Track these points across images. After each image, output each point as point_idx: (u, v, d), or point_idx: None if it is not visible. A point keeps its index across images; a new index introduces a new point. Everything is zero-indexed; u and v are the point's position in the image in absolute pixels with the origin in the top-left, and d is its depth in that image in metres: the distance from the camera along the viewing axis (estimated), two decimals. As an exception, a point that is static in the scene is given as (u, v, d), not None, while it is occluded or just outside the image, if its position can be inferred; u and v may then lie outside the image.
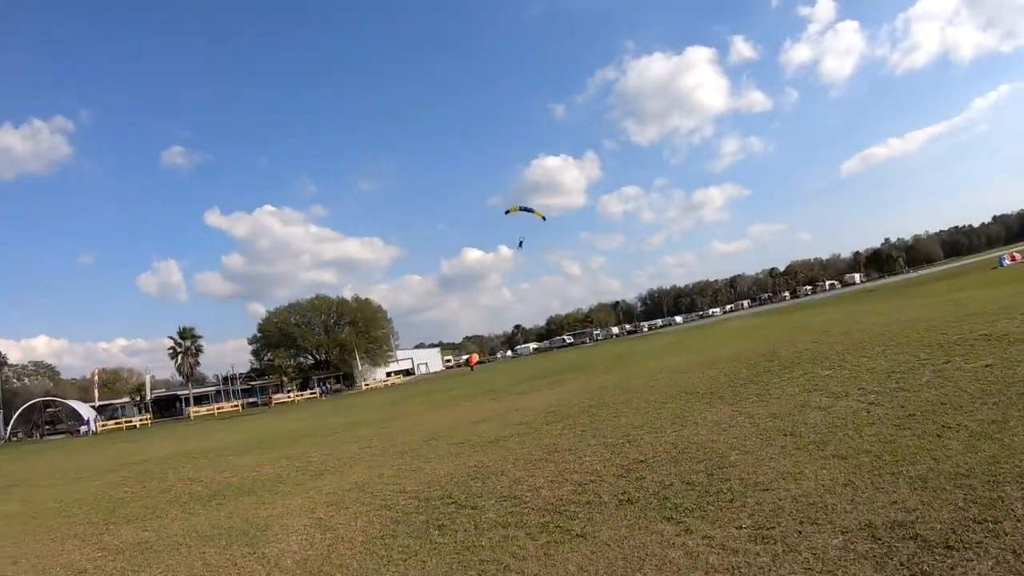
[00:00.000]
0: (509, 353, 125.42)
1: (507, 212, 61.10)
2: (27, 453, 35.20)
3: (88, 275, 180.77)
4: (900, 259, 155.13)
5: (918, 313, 18.54)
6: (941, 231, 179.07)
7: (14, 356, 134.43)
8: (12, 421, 55.68)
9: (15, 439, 52.31)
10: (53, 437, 52.54)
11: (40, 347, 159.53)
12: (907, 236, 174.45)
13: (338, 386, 79.46)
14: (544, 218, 56.55)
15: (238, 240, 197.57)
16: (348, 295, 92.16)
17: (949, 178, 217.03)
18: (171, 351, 67.44)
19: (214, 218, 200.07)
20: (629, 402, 12.54)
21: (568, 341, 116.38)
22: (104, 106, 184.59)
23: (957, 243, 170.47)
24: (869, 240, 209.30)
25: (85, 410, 55.57)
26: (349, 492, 8.88)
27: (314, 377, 76.55)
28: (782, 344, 17.41)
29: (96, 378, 64.35)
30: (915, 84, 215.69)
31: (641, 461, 7.35)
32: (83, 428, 52.07)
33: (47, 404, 62.24)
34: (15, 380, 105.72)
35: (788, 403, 9.17)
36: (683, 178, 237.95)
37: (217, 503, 10.09)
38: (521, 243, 49.88)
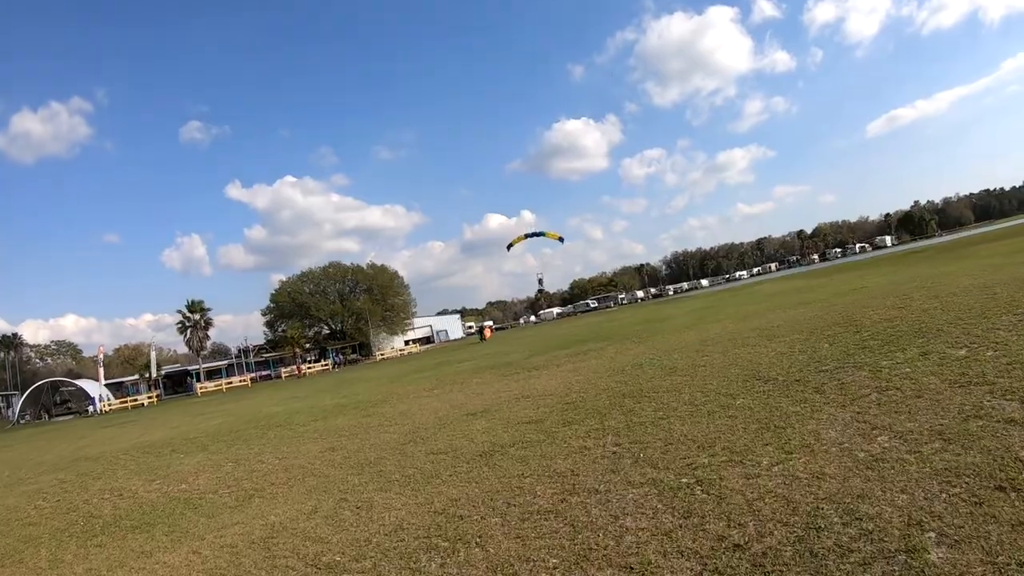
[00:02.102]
0: (532, 319, 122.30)
1: (509, 247, 58.33)
2: (11, 441, 33.21)
3: (114, 253, 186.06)
4: (933, 222, 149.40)
5: (1014, 272, 14.75)
6: (971, 194, 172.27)
7: (43, 336, 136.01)
8: (20, 403, 54.05)
9: (23, 421, 50.63)
10: (61, 418, 50.83)
11: (69, 326, 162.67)
12: (936, 199, 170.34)
13: (354, 356, 77.07)
14: (562, 239, 54.10)
15: (260, 212, 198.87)
16: (369, 263, 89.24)
17: (978, 140, 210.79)
18: (180, 325, 65.25)
19: (235, 191, 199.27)
20: (678, 391, 9.18)
21: (592, 305, 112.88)
22: (120, 85, 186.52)
23: (988, 206, 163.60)
24: (896, 203, 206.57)
25: (94, 389, 53.70)
26: (250, 549, 5.73)
27: (329, 348, 74.03)
28: (853, 310, 14.04)
29: (99, 356, 62.39)
30: (942, 44, 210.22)
31: (738, 547, 3.92)
32: (91, 408, 50.33)
33: (56, 384, 60.60)
34: (38, 360, 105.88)
35: (944, 407, 5.73)
36: (706, 140, 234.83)
37: (97, 543, 7.52)
38: (541, 280, 51.73)
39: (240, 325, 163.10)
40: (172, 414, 30.60)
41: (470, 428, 9.48)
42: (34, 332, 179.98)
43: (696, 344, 14.45)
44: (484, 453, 7.63)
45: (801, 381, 8.20)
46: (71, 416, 51.38)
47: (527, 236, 54.25)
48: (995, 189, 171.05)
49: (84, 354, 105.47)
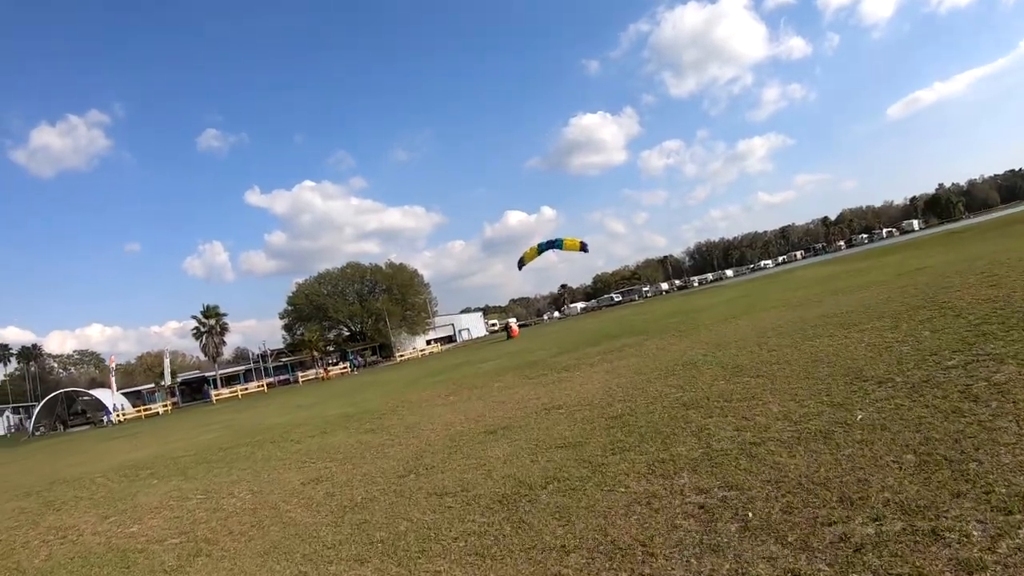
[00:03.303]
0: (556, 314, 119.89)
1: (521, 266, 50.67)
2: (15, 456, 31.92)
3: (136, 262, 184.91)
4: (960, 204, 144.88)
5: None
6: (996, 175, 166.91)
7: (70, 346, 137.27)
8: (35, 414, 53.01)
9: (38, 433, 49.55)
10: (77, 429, 49.66)
11: (94, 335, 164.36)
12: (960, 181, 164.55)
13: (374, 358, 75.37)
14: (584, 247, 47.17)
15: (280, 217, 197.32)
16: (388, 262, 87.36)
17: (1000, 121, 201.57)
18: (195, 331, 63.83)
19: (254, 197, 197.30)
20: (759, 400, 6.99)
21: (616, 299, 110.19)
22: (137, 97, 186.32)
23: (1014, 187, 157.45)
24: (919, 187, 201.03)
25: (109, 399, 52.44)
26: None
27: (348, 350, 72.37)
28: (933, 292, 11.86)
29: (111, 365, 61.16)
30: (960, 23, 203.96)
31: None
32: (106, 418, 49.10)
33: (72, 395, 59.58)
34: (60, 370, 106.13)
35: None
36: (725, 129, 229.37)
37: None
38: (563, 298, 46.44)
39: (264, 330, 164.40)
40: (177, 425, 28.94)
41: (487, 454, 7.34)
42: (61, 342, 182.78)
43: (753, 336, 12.21)
44: (505, 498, 5.48)
45: (930, 382, 6.04)
46: (87, 427, 50.17)
47: (541, 251, 47.19)
48: (1020, 169, 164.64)
49: (105, 363, 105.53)
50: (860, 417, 5.52)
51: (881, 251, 42.36)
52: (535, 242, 46.77)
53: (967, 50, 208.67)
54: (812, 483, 4.25)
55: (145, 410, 51.45)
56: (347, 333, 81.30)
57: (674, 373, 10.13)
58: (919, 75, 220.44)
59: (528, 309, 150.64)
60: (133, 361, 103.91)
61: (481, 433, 8.77)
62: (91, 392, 57.16)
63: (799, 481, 4.33)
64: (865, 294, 14.76)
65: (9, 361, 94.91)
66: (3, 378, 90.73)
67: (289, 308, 79.43)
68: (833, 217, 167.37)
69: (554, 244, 46.31)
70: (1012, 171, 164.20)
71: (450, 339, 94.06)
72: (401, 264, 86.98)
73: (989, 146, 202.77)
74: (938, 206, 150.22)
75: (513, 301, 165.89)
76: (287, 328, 79.74)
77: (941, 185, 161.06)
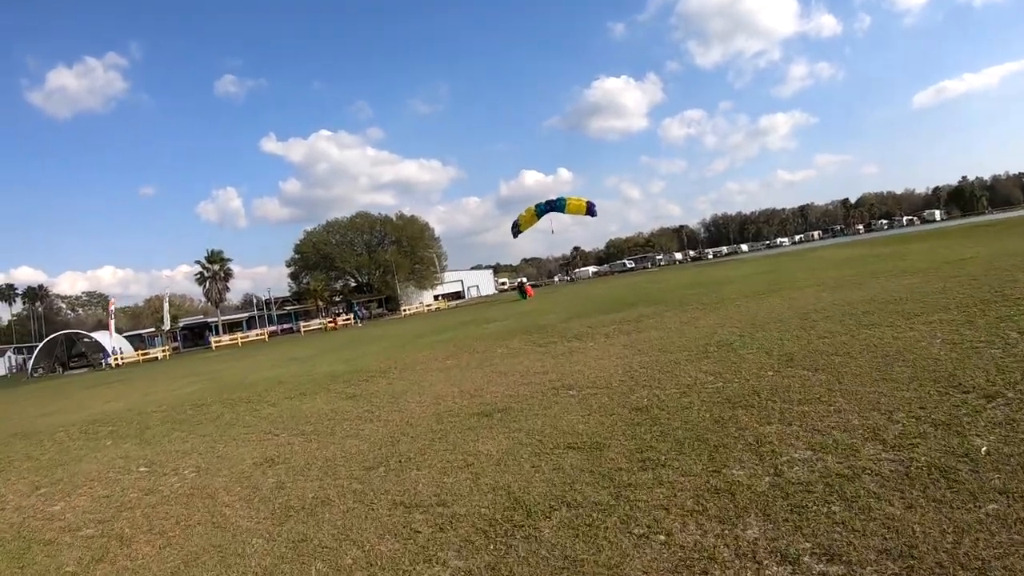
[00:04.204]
0: (567, 277, 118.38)
1: (517, 233, 43.32)
2: (3, 399, 31.11)
3: (149, 206, 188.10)
4: (984, 198, 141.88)
5: None
6: (1021, 173, 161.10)
7: (81, 287, 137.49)
8: (34, 356, 52.27)
9: (36, 375, 48.84)
10: (75, 372, 48.93)
11: (106, 277, 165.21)
12: (982, 175, 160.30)
13: (379, 310, 74.22)
14: (591, 210, 40.86)
15: (295, 165, 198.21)
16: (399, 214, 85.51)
17: None
18: (198, 276, 62.55)
19: (270, 144, 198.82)
20: (827, 403, 5.51)
21: (629, 266, 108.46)
22: (155, 40, 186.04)
23: None
24: (940, 177, 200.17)
25: (110, 342, 51.53)
26: None
27: (354, 302, 71.19)
28: (999, 284, 10.39)
29: (110, 308, 59.96)
30: (994, 16, 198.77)
31: None
32: (104, 362, 48.33)
33: (72, 337, 58.77)
34: (69, 311, 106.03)
35: None
36: (748, 103, 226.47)
37: None
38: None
39: (275, 276, 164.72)
40: (167, 373, 27.85)
41: (478, 448, 5.86)
42: (72, 283, 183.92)
43: (794, 318, 10.66)
44: (493, 526, 4.00)
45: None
46: (85, 369, 49.43)
47: (540, 214, 42.43)
48: None
49: (117, 305, 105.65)
50: (985, 449, 4.00)
51: (903, 238, 40.16)
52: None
53: (1000, 44, 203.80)
54: (958, 566, 2.76)
55: (144, 355, 50.63)
56: (353, 284, 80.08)
57: (707, 355, 8.61)
58: (948, 65, 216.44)
59: (539, 270, 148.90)
60: (141, 304, 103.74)
61: (474, 415, 7.30)
62: (91, 335, 56.36)
63: (937, 561, 2.83)
64: (911, 280, 13.16)
65: (15, 301, 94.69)
66: (10, 318, 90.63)
67: (296, 256, 78.10)
68: (853, 200, 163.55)
69: (555, 206, 42.04)
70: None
71: (458, 296, 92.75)
72: (412, 216, 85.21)
73: (1015, 142, 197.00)
74: (961, 198, 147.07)
75: (525, 261, 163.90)
76: (293, 276, 78.63)
77: (965, 178, 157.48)
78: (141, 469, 7.65)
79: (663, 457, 4.72)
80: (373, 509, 4.69)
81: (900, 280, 13.59)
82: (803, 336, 8.78)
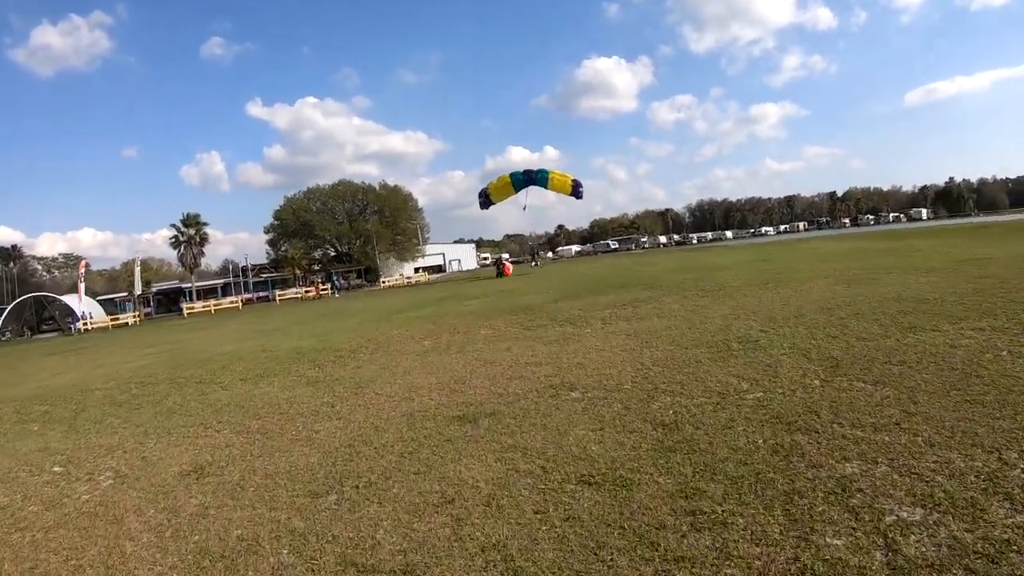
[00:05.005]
0: (550, 254, 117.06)
1: (487, 205, 38.37)
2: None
3: (132, 168, 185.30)
4: (971, 200, 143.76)
5: None
6: (1008, 179, 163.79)
7: (60, 249, 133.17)
8: (2, 319, 49.89)
9: (3, 338, 46.58)
10: (44, 336, 46.81)
11: (86, 239, 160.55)
12: (970, 177, 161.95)
13: (358, 281, 72.31)
14: (576, 191, 36.68)
15: (280, 131, 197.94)
16: (382, 183, 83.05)
17: (1017, 124, 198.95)
18: (173, 240, 59.92)
19: (256, 109, 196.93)
20: (905, 430, 4.31)
21: (613, 246, 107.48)
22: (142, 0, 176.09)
23: (1021, 194, 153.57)
24: (926, 176, 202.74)
25: (79, 306, 49.26)
26: None
27: (332, 271, 69.21)
28: None
29: (80, 271, 57.27)
30: (990, 22, 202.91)
31: None
32: (72, 326, 46.25)
33: (43, 300, 56.27)
34: (45, 273, 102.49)
35: None
36: (740, 90, 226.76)
37: None
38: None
39: (255, 243, 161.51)
40: (129, 342, 26.11)
41: (460, 473, 4.52)
42: (51, 244, 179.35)
43: (816, 312, 9.53)
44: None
45: None
46: (55, 334, 47.32)
47: (518, 186, 37.79)
48: None
49: (93, 268, 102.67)
50: None
51: (898, 234, 39.01)
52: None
53: (994, 49, 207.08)
54: None
55: (114, 320, 48.55)
56: (333, 253, 77.91)
57: (731, 352, 7.37)
58: (941, 66, 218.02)
59: (522, 246, 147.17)
60: (118, 267, 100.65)
61: (455, 419, 5.98)
62: (61, 298, 54.02)
63: None
64: (932, 279, 12.07)
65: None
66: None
67: (275, 223, 75.50)
68: (838, 193, 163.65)
69: (535, 178, 37.69)
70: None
71: (439, 269, 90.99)
72: (396, 186, 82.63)
73: (1002, 148, 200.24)
74: (949, 199, 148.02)
75: (508, 236, 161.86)
76: (272, 244, 76.05)
77: (952, 179, 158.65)
78: (55, 469, 6.28)
79: (719, 509, 3.45)
80: (314, 569, 3.37)
81: (918, 277, 12.49)
82: (839, 336, 7.58)
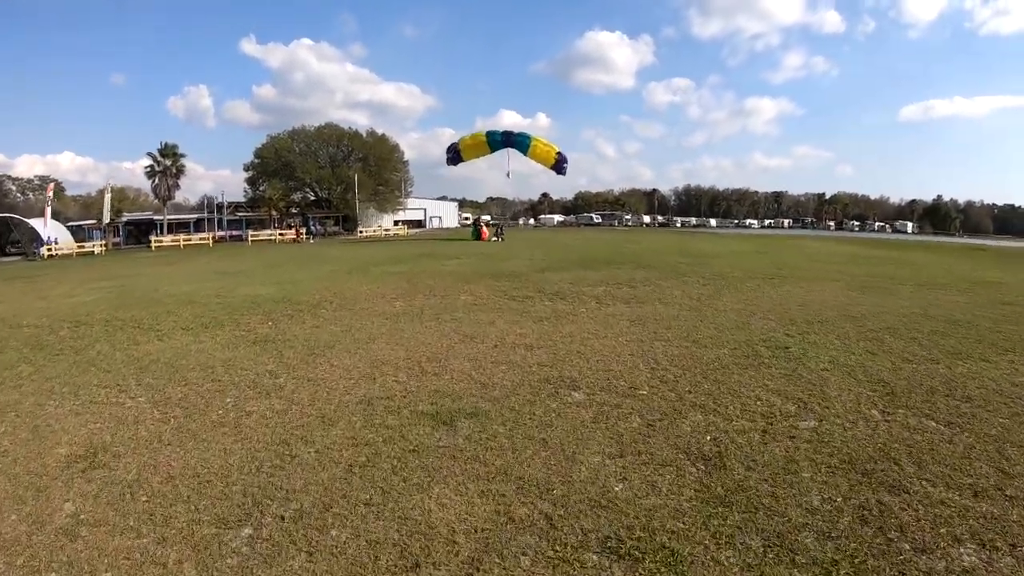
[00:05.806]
0: (532, 221, 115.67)
1: (456, 161, 35.90)
2: None
3: (119, 95, 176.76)
4: (957, 220, 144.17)
5: None
6: (995, 205, 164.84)
7: (38, 171, 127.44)
8: None
9: (-35, 261, 43.94)
10: (7, 259, 44.26)
11: (65, 163, 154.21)
12: (956, 198, 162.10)
13: (335, 228, 70.22)
14: (559, 164, 34.34)
15: (272, 71, 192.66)
16: (369, 131, 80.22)
17: (1013, 153, 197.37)
18: (148, 169, 56.95)
19: (250, 47, 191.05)
20: (1006, 493, 3.14)
21: (596, 220, 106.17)
22: None
23: (1007, 220, 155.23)
24: (913, 191, 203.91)
25: (45, 230, 46.66)
26: None
27: (309, 216, 67.01)
28: None
29: (48, 194, 54.11)
30: (997, 48, 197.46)
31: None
32: (36, 252, 43.88)
33: (8, 222, 53.34)
34: (18, 194, 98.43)
35: None
36: (738, 82, 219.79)
37: None
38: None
39: (237, 181, 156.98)
40: (84, 273, 24.16)
41: (430, 512, 3.30)
42: (29, 166, 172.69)
43: (842, 319, 8.57)
44: None
45: None
46: (19, 258, 44.87)
47: (494, 147, 34.82)
48: (1019, 206, 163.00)
49: (67, 192, 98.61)
50: None
51: (889, 244, 37.87)
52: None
53: (997, 76, 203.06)
54: None
55: (80, 247, 46.21)
56: (312, 198, 75.43)
57: (759, 359, 6.25)
58: (942, 85, 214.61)
59: (504, 210, 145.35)
60: (94, 194, 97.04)
61: (426, 416, 4.75)
62: (28, 221, 51.29)
63: None
64: (952, 298, 11.24)
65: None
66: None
67: (255, 160, 72.49)
68: (824, 195, 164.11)
69: (514, 141, 34.53)
70: (1011, 206, 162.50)
71: (420, 224, 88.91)
72: (383, 135, 79.72)
73: (992, 174, 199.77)
74: (936, 216, 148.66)
75: (491, 199, 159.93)
76: (250, 182, 72.99)
77: (940, 197, 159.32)
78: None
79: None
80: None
81: (936, 294, 11.60)
82: (878, 354, 6.53)
